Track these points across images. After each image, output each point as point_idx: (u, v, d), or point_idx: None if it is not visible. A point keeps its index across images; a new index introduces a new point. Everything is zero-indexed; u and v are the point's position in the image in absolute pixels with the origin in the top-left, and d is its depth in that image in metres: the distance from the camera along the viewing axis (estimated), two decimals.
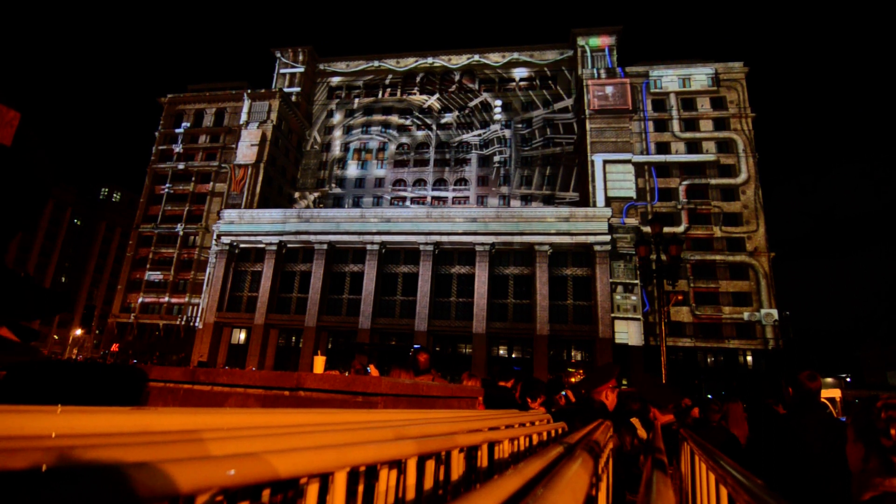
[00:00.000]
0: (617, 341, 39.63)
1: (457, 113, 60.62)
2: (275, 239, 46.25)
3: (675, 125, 49.52)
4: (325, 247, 45.18)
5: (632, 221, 44.19)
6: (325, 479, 0.70)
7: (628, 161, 47.29)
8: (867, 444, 1.56)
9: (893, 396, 1.61)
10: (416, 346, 36.66)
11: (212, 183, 56.13)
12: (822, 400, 2.91)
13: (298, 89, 62.16)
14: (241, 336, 47.05)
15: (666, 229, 34.02)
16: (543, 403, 4.88)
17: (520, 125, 58.57)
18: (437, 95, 61.69)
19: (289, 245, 46.77)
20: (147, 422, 0.60)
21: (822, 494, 2.51)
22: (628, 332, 40.46)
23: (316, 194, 59.95)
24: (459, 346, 42.89)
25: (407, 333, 42.23)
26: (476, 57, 61.95)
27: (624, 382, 37.30)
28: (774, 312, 41.76)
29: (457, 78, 62.12)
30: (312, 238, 45.63)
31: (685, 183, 46.88)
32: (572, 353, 41.54)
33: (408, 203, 56.24)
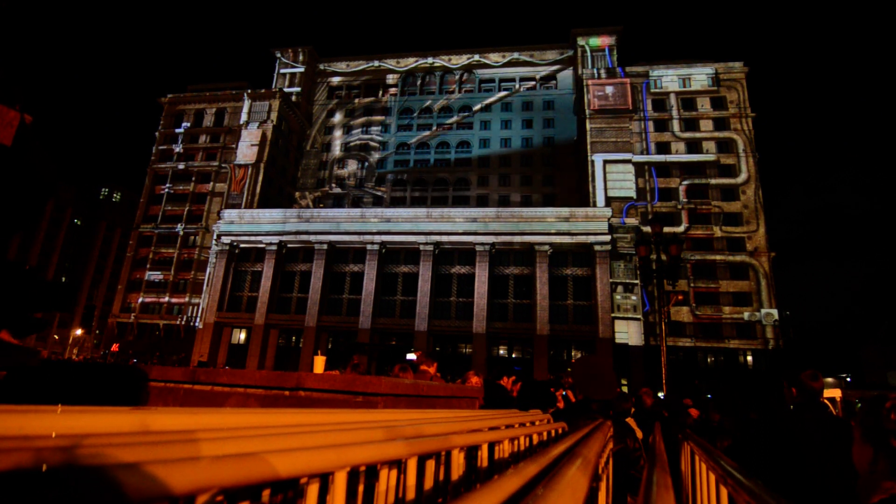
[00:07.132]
0: (617, 341, 39.63)
1: (457, 112, 60.61)
2: (275, 239, 46.24)
3: (676, 125, 49.51)
4: (325, 247, 45.17)
5: (632, 221, 44.18)
6: (325, 479, 0.70)
7: (628, 161, 47.28)
8: (875, 445, 1.52)
9: None
10: (409, 357, 36.66)
11: (212, 183, 56.14)
12: (823, 400, 2.90)
13: (298, 89, 62.15)
14: (242, 336, 47.04)
15: (666, 229, 33.98)
16: (540, 405, 4.89)
17: (520, 125, 58.61)
18: (437, 95, 61.70)
19: (289, 245, 46.76)
20: (147, 422, 0.60)
21: (822, 494, 2.51)
22: (628, 332, 40.47)
23: (316, 194, 59.95)
24: (459, 346, 42.88)
25: (407, 333, 42.21)
26: (476, 57, 61.95)
27: (623, 383, 37.26)
28: (775, 312, 41.75)
29: (457, 78, 62.13)
30: (312, 238, 45.62)
31: (685, 183, 46.88)
32: (573, 353, 41.51)
33: (408, 203, 56.24)
